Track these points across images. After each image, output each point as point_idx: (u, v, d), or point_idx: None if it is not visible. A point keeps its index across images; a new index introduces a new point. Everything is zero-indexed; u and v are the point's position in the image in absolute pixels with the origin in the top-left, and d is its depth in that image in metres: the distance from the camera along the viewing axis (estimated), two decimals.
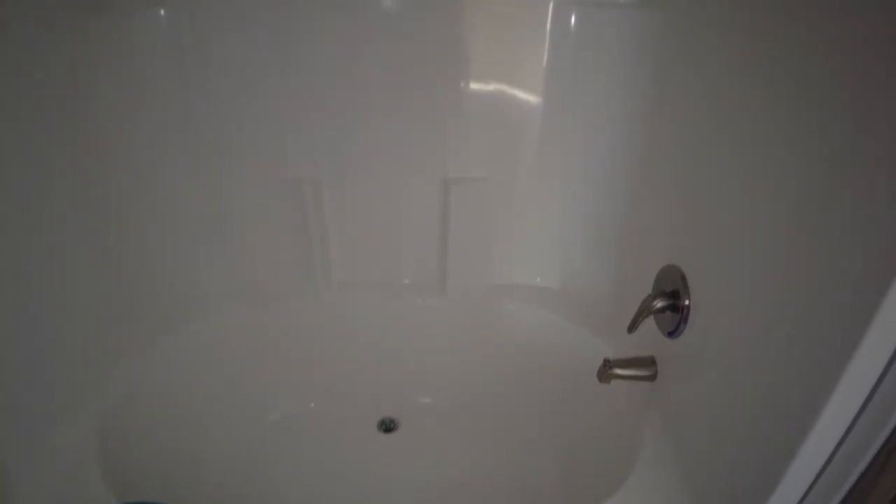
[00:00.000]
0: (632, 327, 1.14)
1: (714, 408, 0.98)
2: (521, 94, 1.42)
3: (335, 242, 1.59)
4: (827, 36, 0.72)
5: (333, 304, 1.65)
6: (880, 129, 0.61)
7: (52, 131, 1.13)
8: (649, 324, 1.18)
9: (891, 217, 0.58)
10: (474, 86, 1.41)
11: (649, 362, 1.19)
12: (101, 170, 1.27)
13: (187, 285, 1.53)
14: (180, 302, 1.51)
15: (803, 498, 0.75)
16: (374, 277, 1.66)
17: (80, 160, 1.21)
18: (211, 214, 1.49)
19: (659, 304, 1.10)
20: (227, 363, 1.55)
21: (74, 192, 1.20)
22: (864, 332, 0.60)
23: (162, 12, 1.28)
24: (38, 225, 1.11)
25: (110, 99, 1.25)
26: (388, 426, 1.70)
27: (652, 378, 1.19)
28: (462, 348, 1.70)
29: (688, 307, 1.06)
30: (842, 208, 0.67)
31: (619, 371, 1.17)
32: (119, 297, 1.36)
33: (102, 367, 1.28)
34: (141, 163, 1.35)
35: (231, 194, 1.49)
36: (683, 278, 1.08)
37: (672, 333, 1.10)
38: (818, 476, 0.73)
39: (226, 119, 1.40)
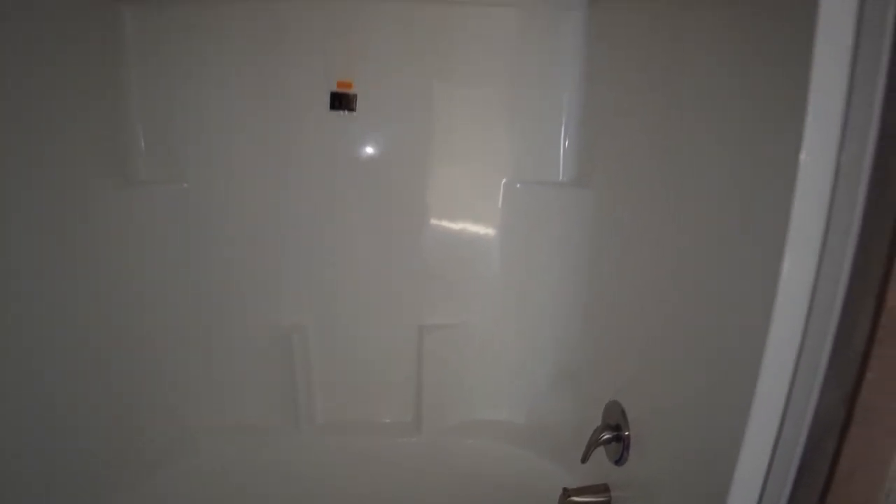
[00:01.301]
0: (584, 458, 1.29)
1: None
2: (482, 250, 1.69)
3: (319, 384, 1.75)
4: None
5: (316, 443, 1.77)
6: None
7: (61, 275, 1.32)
8: (602, 453, 1.33)
9: None
10: (444, 239, 1.69)
11: (603, 489, 1.33)
12: (100, 308, 1.43)
13: (177, 423, 1.65)
14: (171, 439, 1.62)
15: None
16: (354, 417, 1.80)
17: (83, 305, 1.38)
18: (203, 354, 1.65)
19: (605, 435, 1.26)
20: (215, 500, 1.62)
21: (75, 331, 1.35)
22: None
23: (185, 185, 1.57)
24: (37, 366, 1.24)
25: (123, 247, 1.47)
26: None
27: None
28: (435, 485, 1.79)
29: (628, 437, 1.22)
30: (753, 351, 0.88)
31: (576, 499, 1.30)
32: (110, 434, 1.46)
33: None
34: (142, 301, 1.54)
35: (223, 336, 1.67)
36: (623, 412, 1.26)
37: (618, 462, 1.25)
38: None
39: (223, 266, 1.64)
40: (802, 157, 0.70)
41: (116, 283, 1.45)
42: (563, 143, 1.65)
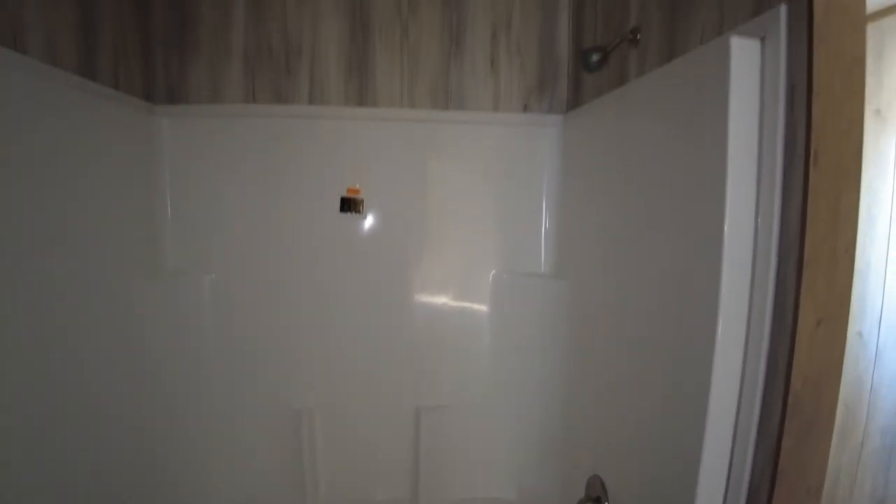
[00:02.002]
0: None
1: None
2: (474, 335, 1.87)
3: (323, 462, 1.87)
4: None
5: None
6: None
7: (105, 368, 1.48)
8: None
9: None
10: (439, 327, 1.87)
11: None
12: (129, 386, 1.57)
13: (191, 495, 1.75)
14: None
15: None
16: (355, 495, 1.90)
17: (114, 383, 1.52)
18: (218, 432, 1.79)
19: None
20: None
21: (107, 408, 1.47)
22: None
23: (214, 276, 1.77)
24: (67, 433, 1.38)
25: (152, 331, 1.64)
26: None
27: None
28: None
29: None
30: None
31: None
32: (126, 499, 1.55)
33: None
34: (167, 379, 1.69)
35: (238, 415, 1.81)
36: (603, 485, 1.40)
37: None
38: None
39: (241, 350, 1.80)
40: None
41: (144, 363, 1.60)
42: (543, 239, 1.88)
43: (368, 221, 1.83)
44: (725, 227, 0.94)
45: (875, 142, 1.92)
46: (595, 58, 1.41)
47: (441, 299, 1.87)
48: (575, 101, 1.83)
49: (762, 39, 0.92)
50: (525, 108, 1.87)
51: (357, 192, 1.81)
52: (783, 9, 0.88)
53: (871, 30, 1.90)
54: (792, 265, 0.90)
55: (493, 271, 1.88)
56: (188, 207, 1.78)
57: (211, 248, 1.80)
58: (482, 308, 1.88)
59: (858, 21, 0.91)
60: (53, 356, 1.27)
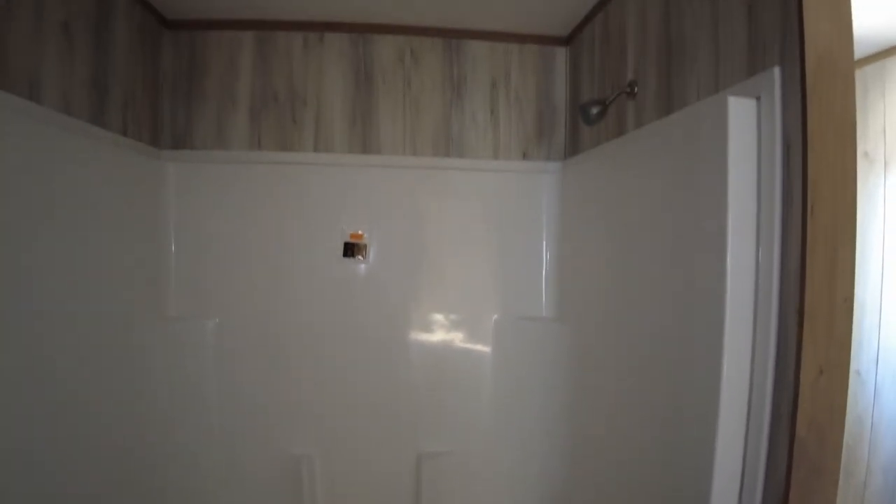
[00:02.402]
0: None
1: None
2: (476, 380, 1.88)
3: None
4: None
5: None
6: None
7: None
8: None
9: None
10: (441, 372, 1.87)
11: None
12: (132, 429, 1.56)
13: None
14: None
15: None
16: None
17: (116, 426, 1.51)
18: (219, 478, 1.76)
19: None
20: None
21: (110, 451, 1.46)
22: None
23: (217, 320, 1.78)
24: (67, 475, 1.37)
25: (154, 375, 1.65)
26: None
27: None
28: None
29: None
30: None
31: None
32: None
33: None
34: (169, 425, 1.68)
35: (239, 461, 1.78)
36: None
37: None
38: None
39: (243, 396, 1.79)
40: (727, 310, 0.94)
41: (145, 406, 1.59)
42: (544, 283, 1.91)
43: (371, 266, 1.85)
44: (727, 279, 0.97)
45: (864, 182, 1.98)
46: (594, 111, 1.46)
47: (443, 344, 1.88)
48: (573, 148, 1.88)
49: (758, 99, 0.96)
50: (524, 156, 1.92)
51: (360, 237, 1.83)
52: (777, 70, 0.93)
53: (856, 76, 1.98)
54: (792, 315, 0.92)
55: (496, 316, 1.89)
56: (192, 252, 1.80)
57: (214, 292, 1.81)
58: (484, 352, 1.88)
59: (848, 79, 0.96)
60: (55, 401, 1.26)
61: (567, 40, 1.93)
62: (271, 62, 1.83)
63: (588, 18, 1.75)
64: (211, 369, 1.77)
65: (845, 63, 0.95)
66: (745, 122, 0.96)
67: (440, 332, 1.88)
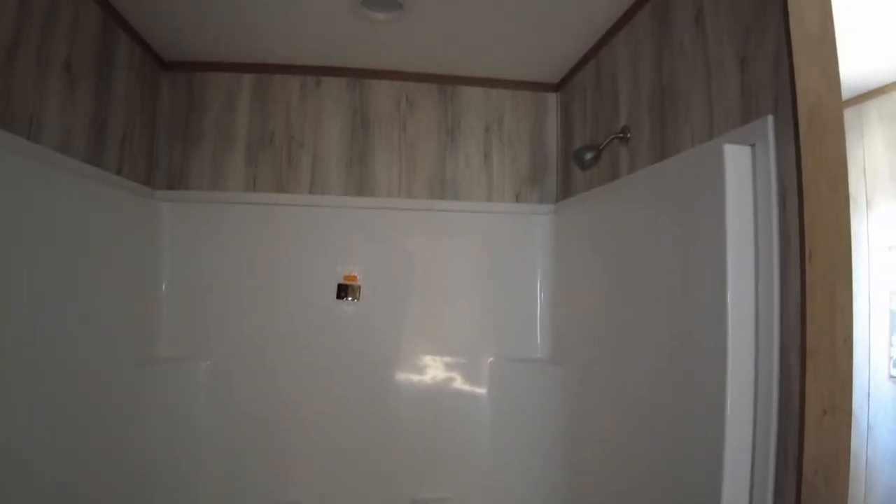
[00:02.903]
0: None
1: None
2: (472, 423, 1.85)
3: None
4: None
5: None
6: None
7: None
8: None
9: None
10: (436, 415, 1.84)
11: None
12: (120, 468, 1.50)
13: None
14: None
15: None
16: None
17: (103, 466, 1.45)
18: None
19: None
20: None
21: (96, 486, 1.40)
22: None
23: (209, 363, 1.74)
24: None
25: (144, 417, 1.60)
26: None
27: None
28: None
29: None
30: None
31: None
32: None
33: None
34: (156, 466, 1.62)
35: None
36: None
37: None
38: None
39: (232, 440, 1.74)
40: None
41: (135, 449, 1.54)
42: (539, 325, 1.91)
43: (365, 308, 1.84)
44: (728, 319, 0.98)
45: None
46: (589, 156, 1.50)
47: (438, 386, 1.86)
48: (565, 191, 1.92)
49: (752, 146, 1.00)
50: (517, 198, 1.95)
51: (354, 278, 1.83)
52: (770, 119, 0.97)
53: None
54: (794, 356, 0.94)
55: (491, 358, 1.88)
56: (185, 292, 1.78)
57: (207, 334, 1.78)
58: (480, 394, 1.86)
59: (838, 127, 0.99)
60: (46, 444, 1.22)
61: (558, 86, 1.99)
62: (268, 105, 1.86)
63: (579, 66, 1.81)
64: (202, 413, 1.72)
65: (835, 112, 0.99)
66: (741, 168, 0.99)
67: (435, 375, 1.86)
